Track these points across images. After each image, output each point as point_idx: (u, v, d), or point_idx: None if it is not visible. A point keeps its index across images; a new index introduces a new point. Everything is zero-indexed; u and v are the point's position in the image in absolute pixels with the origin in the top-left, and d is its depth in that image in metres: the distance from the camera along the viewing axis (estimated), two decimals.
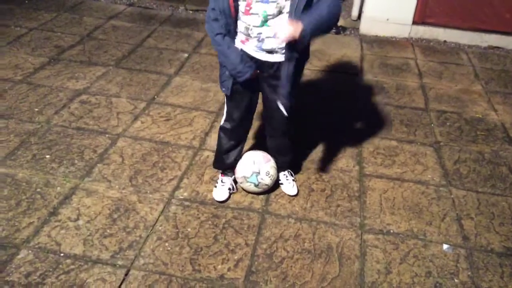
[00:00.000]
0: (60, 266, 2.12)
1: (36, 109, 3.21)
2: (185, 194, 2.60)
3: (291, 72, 2.09)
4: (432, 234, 2.45)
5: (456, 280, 2.20)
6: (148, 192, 2.59)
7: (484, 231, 2.50)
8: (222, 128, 2.47)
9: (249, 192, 2.61)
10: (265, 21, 1.99)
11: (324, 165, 2.90)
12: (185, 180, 2.70)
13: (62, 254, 2.18)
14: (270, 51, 2.08)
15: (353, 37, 4.80)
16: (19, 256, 2.15)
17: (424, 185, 2.80)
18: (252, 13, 1.98)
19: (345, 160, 2.96)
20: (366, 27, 4.84)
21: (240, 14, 2.02)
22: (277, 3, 1.94)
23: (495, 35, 4.68)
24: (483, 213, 2.61)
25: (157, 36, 4.46)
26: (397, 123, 3.39)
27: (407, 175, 2.87)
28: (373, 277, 2.19)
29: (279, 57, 2.09)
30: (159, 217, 2.43)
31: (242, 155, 2.55)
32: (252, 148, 2.77)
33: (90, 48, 4.13)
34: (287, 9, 1.95)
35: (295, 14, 1.93)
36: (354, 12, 4.97)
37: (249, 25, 2.03)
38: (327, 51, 4.39)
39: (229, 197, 2.57)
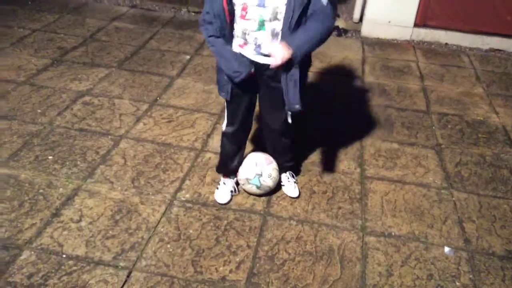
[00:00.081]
0: (63, 267, 2.13)
1: (39, 110, 3.23)
2: (187, 195, 2.61)
3: (296, 78, 2.07)
4: (433, 237, 2.46)
5: (457, 283, 2.20)
6: (150, 193, 2.60)
7: (486, 234, 2.50)
8: (225, 134, 2.48)
9: (251, 194, 2.61)
10: (261, 26, 1.99)
11: (326, 167, 2.91)
12: (187, 182, 2.70)
13: (64, 255, 2.19)
14: (268, 55, 2.07)
15: (355, 40, 4.81)
16: (21, 257, 2.16)
17: (425, 187, 2.80)
18: (248, 18, 1.98)
19: (347, 162, 2.97)
20: (368, 30, 4.85)
21: (237, 18, 2.02)
22: (273, 8, 1.94)
23: (497, 38, 4.68)
24: (484, 216, 2.62)
25: (160, 38, 4.47)
26: (398, 125, 3.40)
27: (409, 178, 2.87)
28: (374, 280, 2.19)
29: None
30: (161, 218, 2.44)
31: (244, 157, 2.56)
32: (253, 150, 2.77)
33: (93, 49, 4.14)
34: (282, 14, 1.95)
35: (289, 25, 1.95)
36: (356, 15, 4.97)
37: (245, 29, 2.03)
38: (328, 53, 4.40)
39: (231, 199, 2.58)
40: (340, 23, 4.99)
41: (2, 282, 2.04)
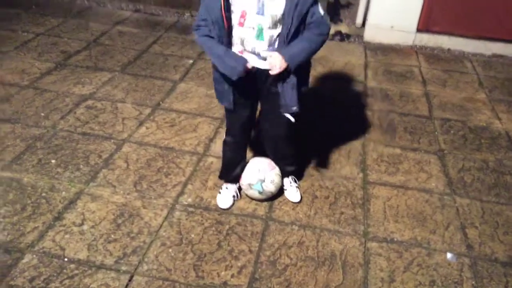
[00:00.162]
0: (64, 271, 2.13)
1: (42, 114, 3.24)
2: (189, 200, 2.61)
3: (294, 82, 2.10)
4: (436, 243, 2.45)
5: None
6: (153, 197, 2.60)
7: (488, 240, 2.49)
8: (226, 142, 2.49)
9: (253, 199, 2.61)
10: (260, 34, 2.00)
11: (328, 172, 2.91)
12: (189, 186, 2.71)
13: (66, 259, 2.19)
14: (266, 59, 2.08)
15: (357, 44, 4.81)
16: (23, 261, 2.16)
17: (428, 193, 2.80)
18: (246, 26, 1.98)
19: (349, 167, 2.97)
20: (370, 35, 4.85)
21: (235, 26, 2.01)
22: (272, 16, 1.95)
23: (499, 44, 4.68)
24: (487, 222, 2.61)
25: (163, 42, 4.49)
26: (401, 130, 3.39)
27: (411, 183, 2.87)
28: (376, 286, 2.19)
29: None
30: (163, 222, 2.44)
31: (247, 162, 2.56)
32: (256, 155, 2.77)
33: (96, 53, 4.16)
34: (281, 22, 1.97)
35: (287, 34, 1.98)
36: (359, 20, 4.98)
37: (243, 37, 2.03)
38: (331, 58, 4.41)
39: (233, 204, 2.58)
40: (342, 28, 5.00)
41: (4, 285, 2.04)
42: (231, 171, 2.56)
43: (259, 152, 2.78)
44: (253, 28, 1.98)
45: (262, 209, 2.58)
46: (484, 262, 2.36)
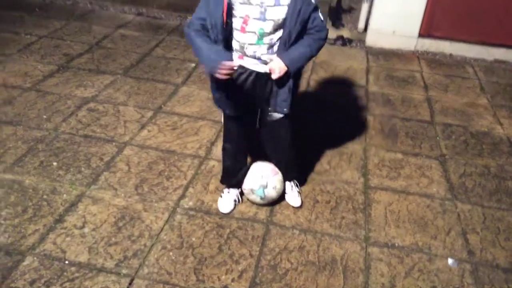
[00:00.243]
0: (65, 273, 2.13)
1: (44, 116, 3.24)
2: (190, 203, 2.61)
3: (290, 85, 2.14)
4: (437, 248, 2.44)
5: None
6: (154, 200, 2.60)
7: (490, 246, 2.48)
8: (225, 150, 2.51)
9: (254, 203, 2.61)
10: (260, 39, 2.01)
11: (329, 176, 2.91)
12: (190, 189, 2.71)
13: (67, 262, 2.19)
14: (267, 62, 2.09)
15: (359, 49, 4.82)
16: (24, 263, 2.16)
17: (429, 198, 2.79)
18: (248, 31, 1.99)
19: (350, 172, 2.96)
20: (372, 39, 4.86)
21: (235, 32, 2.02)
22: (274, 21, 1.96)
23: (502, 49, 4.69)
24: (488, 228, 2.60)
25: (165, 46, 4.50)
26: (402, 135, 3.39)
27: (412, 188, 2.86)
28: None
29: None
30: (164, 226, 2.44)
31: (250, 166, 2.56)
32: (259, 159, 2.77)
33: (98, 56, 4.17)
34: (282, 28, 1.98)
35: (288, 38, 2.00)
36: (361, 24, 5.00)
37: (244, 43, 2.03)
38: (333, 63, 4.42)
39: (234, 208, 2.58)
40: (344, 32, 5.01)
41: (5, 287, 2.04)
42: (232, 177, 2.56)
43: (261, 156, 2.78)
44: (255, 33, 1.99)
45: (263, 213, 2.58)
46: (485, 268, 2.35)
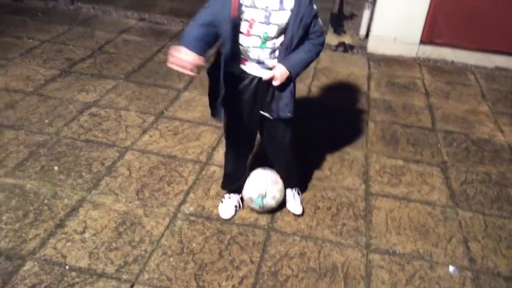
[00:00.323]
0: (65, 279, 2.13)
1: (46, 121, 3.25)
2: (191, 209, 2.61)
3: (292, 89, 2.17)
4: (438, 256, 2.44)
5: None
6: (155, 206, 2.60)
7: (491, 254, 2.48)
8: (227, 155, 2.51)
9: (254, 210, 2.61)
10: (264, 43, 2.02)
11: (330, 183, 2.90)
12: (191, 195, 2.70)
13: (67, 267, 2.19)
14: (271, 68, 2.10)
15: (361, 56, 4.83)
16: (24, 268, 2.16)
17: (430, 205, 2.79)
18: (252, 35, 2.00)
19: (351, 178, 2.96)
20: (374, 46, 4.87)
21: (240, 36, 2.02)
22: (278, 26, 1.98)
23: (503, 56, 4.70)
24: (490, 236, 2.60)
25: (167, 51, 4.50)
26: (403, 142, 3.39)
27: (414, 195, 2.86)
28: None
29: None
30: (164, 231, 2.44)
31: (251, 171, 2.56)
32: (260, 165, 2.77)
33: (101, 61, 4.18)
34: (285, 32, 2.00)
35: (290, 43, 2.02)
36: (362, 31, 5.01)
37: (248, 46, 2.04)
38: (334, 69, 4.43)
39: (234, 214, 2.58)
40: (346, 39, 5.03)
41: None
42: (233, 183, 2.56)
43: (263, 162, 2.78)
44: (259, 37, 2.00)
45: (264, 219, 2.58)
46: (486, 276, 2.34)
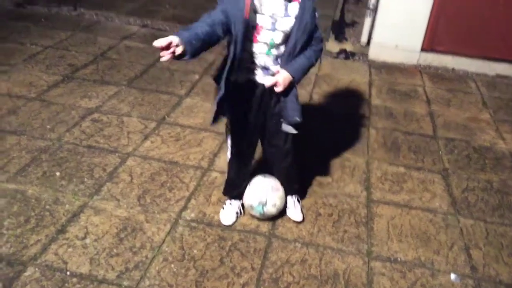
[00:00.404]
0: (66, 285, 2.12)
1: (48, 126, 3.26)
2: (192, 215, 2.61)
3: (296, 93, 2.19)
4: (440, 263, 2.43)
5: None
6: (156, 212, 2.60)
7: (493, 261, 2.47)
8: (231, 160, 2.51)
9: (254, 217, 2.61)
10: (270, 49, 2.06)
11: (332, 189, 2.90)
12: (192, 201, 2.71)
13: (68, 273, 2.18)
14: (274, 74, 2.12)
15: (362, 63, 4.85)
16: (25, 274, 2.16)
17: (432, 213, 2.78)
18: (259, 41, 2.03)
19: (353, 185, 2.96)
20: (375, 53, 4.89)
21: (248, 42, 2.04)
22: (283, 32, 2.01)
23: (504, 64, 4.71)
24: (491, 243, 2.59)
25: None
26: (405, 149, 3.40)
27: (415, 202, 2.86)
28: None
29: None
30: (165, 237, 2.44)
31: (252, 178, 2.56)
32: (261, 172, 2.77)
33: (103, 67, 4.20)
34: (289, 38, 2.02)
35: (294, 49, 2.04)
36: (364, 38, 5.03)
37: (255, 52, 2.07)
38: (336, 76, 4.44)
39: (236, 220, 2.58)
40: (347, 46, 5.05)
41: None
42: (235, 188, 2.56)
43: (263, 169, 2.78)
44: (266, 43, 2.03)
45: (265, 226, 2.57)
46: (488, 284, 2.33)
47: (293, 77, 2.09)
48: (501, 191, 3.03)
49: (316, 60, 2.18)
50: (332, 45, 5.03)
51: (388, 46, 4.81)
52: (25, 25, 4.92)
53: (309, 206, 2.74)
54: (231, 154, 2.50)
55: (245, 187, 2.53)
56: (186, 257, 2.33)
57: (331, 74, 4.45)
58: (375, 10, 4.79)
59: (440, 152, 3.40)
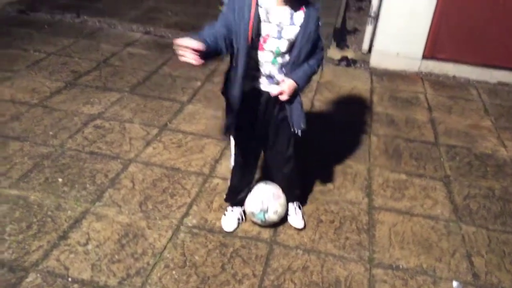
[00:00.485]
0: None
1: (51, 133, 3.27)
2: (194, 221, 2.61)
3: (300, 101, 2.21)
4: (441, 271, 2.42)
5: None
6: (157, 218, 2.60)
7: (495, 269, 2.46)
8: (235, 167, 2.52)
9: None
10: (275, 57, 2.07)
11: (333, 196, 2.90)
12: (194, 207, 2.71)
13: (70, 279, 2.18)
14: (278, 83, 2.13)
15: (363, 70, 4.86)
16: (27, 280, 2.16)
17: (433, 220, 2.78)
18: (265, 49, 2.04)
19: (354, 192, 2.96)
20: (376, 60, 4.91)
21: (253, 51, 2.05)
22: (289, 40, 2.03)
23: (505, 72, 4.72)
24: (493, 251, 2.58)
25: (172, 64, 4.55)
26: (406, 156, 3.40)
27: (417, 209, 2.86)
28: None
29: None
30: (167, 244, 2.44)
31: (253, 187, 2.56)
32: (262, 179, 2.77)
33: (106, 74, 4.22)
34: (294, 46, 2.04)
35: (298, 57, 2.06)
36: (365, 46, 5.05)
37: (260, 61, 2.08)
38: (337, 83, 4.45)
39: (237, 226, 2.58)
40: (349, 53, 5.07)
41: None
42: (237, 195, 2.56)
43: (265, 176, 2.79)
44: (272, 52, 2.04)
45: (266, 233, 2.57)
46: None
47: (297, 84, 2.10)
48: (503, 198, 3.03)
49: (318, 67, 2.20)
50: (334, 53, 5.06)
51: (389, 53, 4.83)
52: (28, 32, 4.95)
53: (311, 213, 2.74)
54: (235, 161, 2.51)
55: (247, 194, 2.54)
56: (187, 263, 2.33)
57: (333, 81, 4.46)
58: (376, 17, 4.82)
59: (442, 159, 3.40)
